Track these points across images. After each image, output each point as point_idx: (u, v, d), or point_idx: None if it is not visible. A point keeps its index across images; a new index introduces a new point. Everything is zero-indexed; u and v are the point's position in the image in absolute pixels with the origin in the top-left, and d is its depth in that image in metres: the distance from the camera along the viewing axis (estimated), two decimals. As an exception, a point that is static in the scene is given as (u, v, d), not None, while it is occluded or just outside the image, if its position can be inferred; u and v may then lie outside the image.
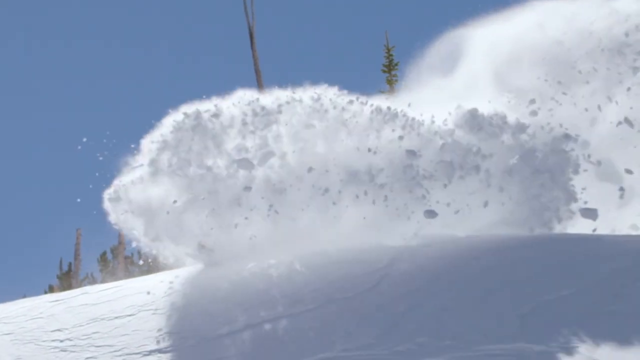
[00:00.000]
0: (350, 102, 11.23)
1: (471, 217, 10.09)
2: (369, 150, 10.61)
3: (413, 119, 11.07)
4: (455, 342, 6.63)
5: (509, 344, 6.50)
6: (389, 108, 11.26)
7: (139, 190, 11.44)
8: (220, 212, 10.47)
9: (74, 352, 8.54)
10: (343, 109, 11.18)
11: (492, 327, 6.71)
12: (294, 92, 11.54)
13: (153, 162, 11.23)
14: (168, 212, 10.84)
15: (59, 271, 19.12)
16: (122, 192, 11.57)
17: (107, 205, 11.68)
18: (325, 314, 7.53)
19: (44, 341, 9.06)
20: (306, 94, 11.58)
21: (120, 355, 8.02)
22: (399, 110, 11.18)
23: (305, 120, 11.26)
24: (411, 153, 10.42)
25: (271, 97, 11.74)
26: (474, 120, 11.14)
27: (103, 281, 11.99)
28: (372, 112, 11.22)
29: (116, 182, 11.77)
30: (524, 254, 7.38)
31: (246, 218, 10.20)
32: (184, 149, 11.13)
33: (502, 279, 7.26)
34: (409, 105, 11.59)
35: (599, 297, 7.10)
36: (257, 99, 11.66)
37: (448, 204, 9.99)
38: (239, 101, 11.56)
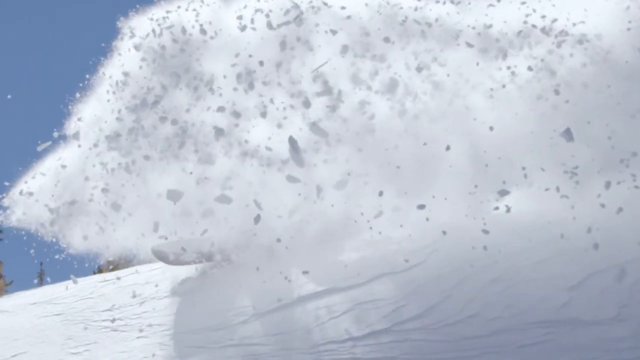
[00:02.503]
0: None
1: None
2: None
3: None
4: (505, 313, 6.82)
5: (558, 315, 6.67)
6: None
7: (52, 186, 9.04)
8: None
9: (124, 331, 8.79)
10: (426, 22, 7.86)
11: (542, 299, 6.85)
12: None
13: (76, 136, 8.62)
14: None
15: (108, 251, 19.32)
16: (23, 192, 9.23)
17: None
18: (377, 289, 7.72)
19: (94, 321, 9.37)
20: None
21: (170, 334, 8.22)
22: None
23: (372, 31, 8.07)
24: (568, 134, 6.92)
25: None
26: None
27: (151, 261, 12.16)
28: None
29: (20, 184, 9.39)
30: (573, 227, 7.46)
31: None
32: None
33: (552, 251, 7.37)
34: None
35: (647, 269, 7.19)
36: None
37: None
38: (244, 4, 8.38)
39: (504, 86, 7.80)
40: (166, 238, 8.53)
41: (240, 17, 8.08)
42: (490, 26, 7.92)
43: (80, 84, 9.08)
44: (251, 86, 7.86)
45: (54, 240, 9.53)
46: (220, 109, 7.80)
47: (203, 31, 8.06)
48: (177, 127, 7.94)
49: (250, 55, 7.96)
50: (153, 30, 8.37)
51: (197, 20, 8.19)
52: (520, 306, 6.82)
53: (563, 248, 7.37)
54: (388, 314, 7.23)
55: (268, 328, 7.62)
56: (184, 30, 8.20)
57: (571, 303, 6.77)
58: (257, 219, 7.49)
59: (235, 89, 7.94)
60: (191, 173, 8.10)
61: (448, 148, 7.84)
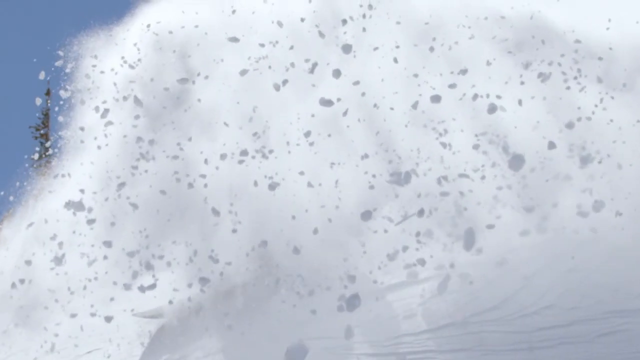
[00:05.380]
0: None
1: None
2: None
3: None
4: (582, 303, 6.98)
5: (635, 305, 6.78)
6: None
7: None
8: None
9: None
10: None
11: (617, 288, 6.97)
12: None
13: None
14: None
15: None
16: None
17: None
18: (452, 281, 7.77)
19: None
20: None
21: (251, 327, 8.19)
22: None
23: None
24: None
25: None
26: None
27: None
28: None
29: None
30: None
31: None
32: None
33: (630, 240, 7.42)
34: None
35: None
36: None
37: None
38: None
39: None
40: None
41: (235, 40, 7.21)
42: None
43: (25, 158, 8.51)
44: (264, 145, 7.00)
45: None
46: (219, 192, 7.03)
47: (184, 80, 7.13)
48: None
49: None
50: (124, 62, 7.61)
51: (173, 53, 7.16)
52: (596, 296, 6.94)
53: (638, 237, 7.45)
54: (463, 306, 7.38)
55: (345, 322, 7.74)
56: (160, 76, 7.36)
57: (649, 291, 6.87)
58: None
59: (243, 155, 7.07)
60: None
61: None
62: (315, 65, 7.34)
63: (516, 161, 6.58)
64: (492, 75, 7.46)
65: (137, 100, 7.26)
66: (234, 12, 7.73)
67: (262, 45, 7.56)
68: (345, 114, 7.11)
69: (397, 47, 7.50)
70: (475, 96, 7.29)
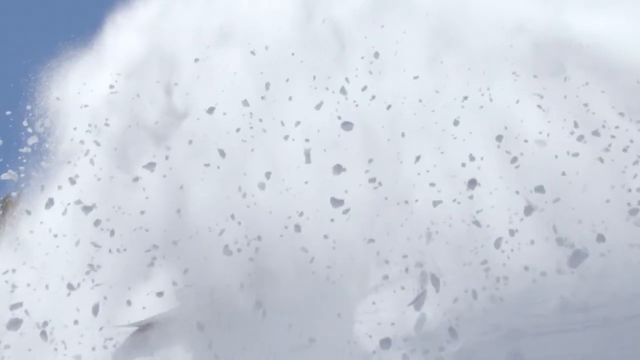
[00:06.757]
0: None
1: None
2: None
3: None
4: (609, 284, 6.99)
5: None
6: None
7: None
8: None
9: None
10: None
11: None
12: None
13: None
14: None
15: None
16: None
17: None
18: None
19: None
20: None
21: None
22: None
23: None
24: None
25: None
26: None
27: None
28: None
29: None
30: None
31: None
32: None
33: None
34: None
35: None
36: None
37: None
38: None
39: None
40: None
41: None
42: None
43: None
44: None
45: None
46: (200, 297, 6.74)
47: (151, 165, 6.80)
48: None
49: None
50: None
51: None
52: (622, 278, 6.94)
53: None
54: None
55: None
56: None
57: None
58: None
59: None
60: None
61: None
62: (309, 152, 6.85)
63: (577, 258, 5.90)
64: (525, 128, 7.40)
65: (85, 208, 6.90)
66: (196, 60, 7.36)
67: (247, 104, 7.25)
68: (346, 212, 6.60)
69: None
70: (514, 159, 7.15)
